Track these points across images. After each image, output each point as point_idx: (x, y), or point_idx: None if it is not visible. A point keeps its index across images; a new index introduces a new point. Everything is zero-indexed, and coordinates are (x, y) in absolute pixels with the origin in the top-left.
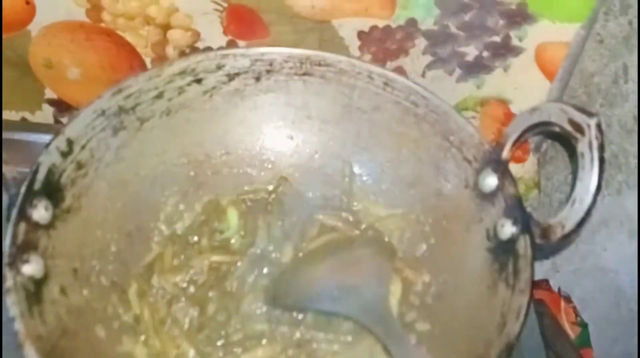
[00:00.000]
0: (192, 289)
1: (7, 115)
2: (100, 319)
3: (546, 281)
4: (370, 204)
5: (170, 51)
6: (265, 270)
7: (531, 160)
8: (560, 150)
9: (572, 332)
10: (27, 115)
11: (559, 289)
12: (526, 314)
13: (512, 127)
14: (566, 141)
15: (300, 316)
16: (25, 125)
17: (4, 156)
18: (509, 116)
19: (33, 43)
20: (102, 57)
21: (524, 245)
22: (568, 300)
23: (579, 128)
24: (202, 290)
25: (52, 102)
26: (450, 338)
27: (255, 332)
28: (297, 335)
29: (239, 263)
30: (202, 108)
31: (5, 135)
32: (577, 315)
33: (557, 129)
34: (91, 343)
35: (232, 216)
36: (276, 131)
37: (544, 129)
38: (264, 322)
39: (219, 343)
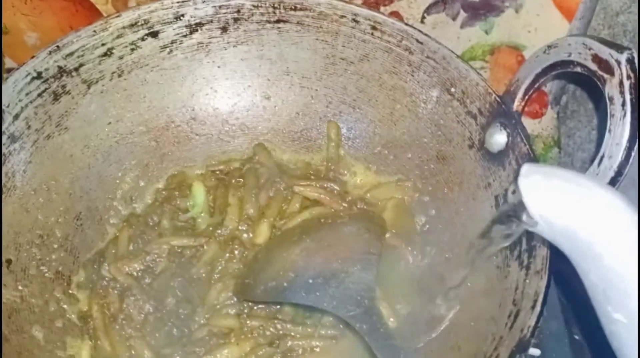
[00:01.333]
0: (148, 279)
1: None
2: (39, 318)
3: None
4: (360, 171)
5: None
6: (235, 255)
7: (549, 115)
8: (583, 102)
9: None
10: None
11: None
12: (544, 303)
13: (523, 71)
14: (591, 84)
15: (275, 307)
16: None
17: None
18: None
19: None
20: (60, 18)
21: None
22: None
23: (606, 66)
24: (160, 280)
25: (12, 71)
26: (450, 331)
27: (222, 328)
28: (271, 330)
29: (204, 247)
30: (161, 67)
31: None
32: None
33: (579, 69)
34: (25, 348)
35: (198, 192)
36: (249, 90)
37: (563, 71)
38: (232, 316)
39: (180, 342)
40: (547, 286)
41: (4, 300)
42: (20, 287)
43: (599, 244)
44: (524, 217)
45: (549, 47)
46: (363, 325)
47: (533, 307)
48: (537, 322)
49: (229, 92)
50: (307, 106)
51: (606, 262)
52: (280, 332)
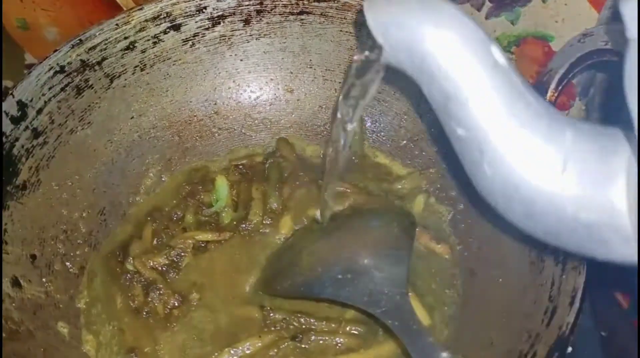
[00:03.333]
0: (172, 273)
1: None
2: (64, 314)
3: None
4: (386, 164)
5: None
6: (259, 249)
7: (577, 107)
8: (612, 95)
9: (624, 301)
10: (9, 84)
11: None
12: (582, 299)
13: (557, 61)
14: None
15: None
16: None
17: None
18: (550, 56)
19: (5, 2)
20: (79, 13)
21: None
22: None
23: None
24: (184, 275)
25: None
26: (482, 327)
27: (245, 322)
28: (294, 323)
29: (228, 242)
30: (184, 60)
31: None
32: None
33: (616, 57)
34: (50, 344)
35: (222, 186)
36: (272, 83)
37: (599, 61)
38: (256, 309)
39: (203, 335)
40: (586, 283)
41: (28, 296)
42: (45, 282)
43: (435, 55)
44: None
45: (584, 35)
46: (395, 321)
47: (571, 303)
48: (576, 318)
49: (251, 85)
50: (330, 99)
51: (443, 74)
52: (304, 327)
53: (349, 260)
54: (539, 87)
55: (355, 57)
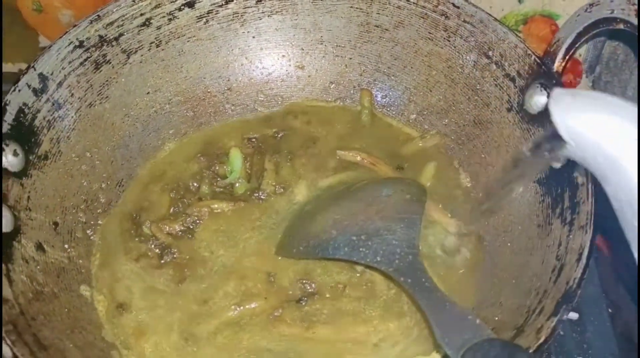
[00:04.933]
0: (187, 239)
1: (4, 67)
2: (86, 279)
3: None
4: (398, 127)
5: None
6: (272, 217)
7: (584, 84)
8: (617, 72)
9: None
10: (24, 67)
11: None
12: (589, 256)
13: (564, 31)
14: (635, 42)
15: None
16: None
17: None
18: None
19: None
20: None
21: (583, 172)
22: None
23: None
24: (198, 240)
25: None
26: (491, 289)
27: (253, 285)
28: (300, 288)
29: (242, 210)
30: (198, 37)
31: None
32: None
33: (622, 26)
34: (73, 305)
35: (236, 158)
36: (284, 60)
37: (606, 29)
38: (264, 274)
39: (213, 298)
40: (592, 240)
41: (51, 260)
42: (67, 248)
43: (625, 158)
44: (553, 141)
45: (591, 5)
46: (408, 278)
47: (578, 260)
48: (583, 273)
49: (263, 62)
50: (341, 75)
51: (632, 175)
52: (309, 291)
53: (363, 223)
54: (547, 58)
55: (525, 151)
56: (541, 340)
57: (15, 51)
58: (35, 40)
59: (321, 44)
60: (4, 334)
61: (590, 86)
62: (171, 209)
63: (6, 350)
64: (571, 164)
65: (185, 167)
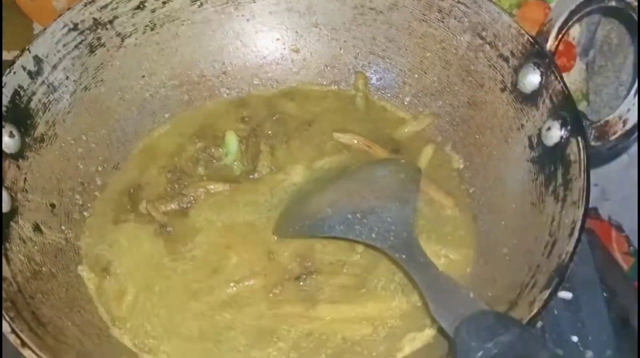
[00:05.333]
0: (183, 219)
1: None
2: (85, 257)
3: (595, 209)
4: (392, 111)
5: None
6: (267, 197)
7: (578, 67)
8: (611, 57)
9: (624, 263)
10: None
11: (609, 218)
12: (581, 229)
13: (557, 9)
14: (629, 19)
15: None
16: None
17: None
18: None
19: None
20: None
21: (575, 149)
22: (619, 229)
23: None
24: (194, 220)
25: None
26: (485, 266)
27: (251, 262)
28: (299, 266)
29: (238, 191)
30: (192, 20)
31: None
32: (629, 244)
33: (614, 2)
34: (71, 285)
35: (231, 141)
36: (278, 43)
37: (599, 6)
38: (263, 252)
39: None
40: (585, 215)
41: (49, 241)
42: (64, 230)
43: None
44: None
45: None
46: (402, 254)
47: (570, 235)
48: (575, 247)
49: (258, 45)
50: (335, 58)
51: None
52: (308, 269)
53: (358, 202)
54: (540, 37)
55: None
56: (534, 312)
57: (9, 39)
58: (30, 28)
59: (316, 27)
60: (3, 311)
61: (584, 68)
62: (167, 190)
63: (5, 326)
64: (564, 143)
65: (181, 149)
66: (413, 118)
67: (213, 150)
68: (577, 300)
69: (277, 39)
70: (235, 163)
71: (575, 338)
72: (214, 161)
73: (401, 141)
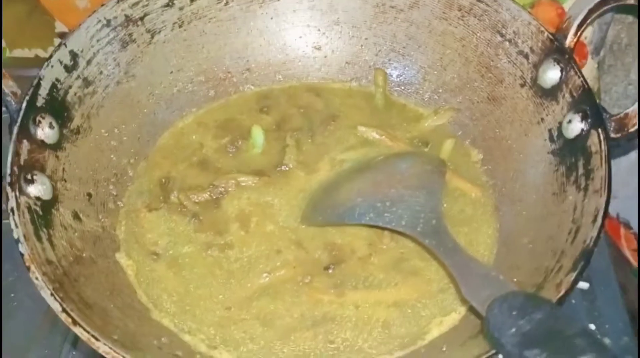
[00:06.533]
0: (214, 209)
1: (20, 53)
2: (123, 244)
3: None
4: (412, 108)
5: None
6: (295, 190)
7: (590, 66)
8: (621, 56)
9: (633, 260)
10: (40, 52)
11: (618, 215)
12: (604, 216)
13: (575, 7)
14: None
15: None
16: (39, 62)
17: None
18: (563, 18)
19: None
20: None
21: (597, 141)
22: (627, 226)
23: None
24: (225, 210)
25: (63, 36)
26: (507, 254)
27: (281, 253)
28: (328, 256)
29: (266, 184)
30: (218, 18)
31: (19, 72)
32: (638, 241)
33: (633, 0)
34: (110, 270)
35: (258, 135)
36: (301, 41)
37: (617, 4)
38: (292, 242)
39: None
40: (607, 202)
41: (87, 229)
42: (101, 218)
43: None
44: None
45: None
46: (432, 240)
47: (594, 221)
48: (599, 233)
49: (281, 43)
50: (356, 55)
51: None
52: (336, 259)
53: (387, 191)
54: (559, 34)
55: None
56: (562, 293)
57: (31, 36)
58: (52, 27)
59: (337, 25)
60: (52, 291)
61: (596, 67)
62: (198, 181)
63: (56, 305)
64: (585, 135)
65: (208, 142)
66: (434, 113)
67: (240, 142)
68: (594, 289)
69: (300, 37)
70: (262, 155)
71: (592, 326)
72: (241, 153)
73: (422, 135)
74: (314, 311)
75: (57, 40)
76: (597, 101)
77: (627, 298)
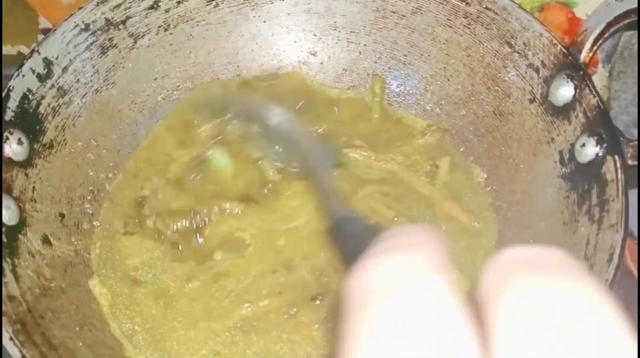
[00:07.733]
0: (195, 237)
1: (3, 50)
2: (96, 271)
3: None
4: (407, 122)
5: None
6: (286, 213)
7: (600, 74)
8: (631, 63)
9: (636, 272)
10: (23, 49)
11: None
12: (621, 255)
13: (593, 20)
14: None
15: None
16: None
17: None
18: (573, 23)
19: None
20: None
21: (612, 168)
22: (631, 236)
23: None
24: (207, 238)
25: (47, 32)
26: None
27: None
28: (316, 284)
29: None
30: (207, 21)
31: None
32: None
33: None
34: (81, 301)
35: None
36: (295, 46)
37: (637, 19)
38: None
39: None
40: (624, 240)
41: (58, 253)
42: (74, 241)
43: None
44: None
45: None
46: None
47: (609, 261)
48: (615, 275)
49: (274, 48)
50: (354, 62)
51: None
52: (326, 288)
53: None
54: (573, 48)
55: None
56: None
57: (15, 32)
58: (35, 22)
59: (335, 29)
60: (12, 335)
61: (607, 75)
62: (177, 205)
63: (15, 351)
64: (599, 161)
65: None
66: (420, 134)
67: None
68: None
69: (295, 42)
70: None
71: None
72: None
73: (414, 153)
74: (295, 349)
75: (40, 37)
76: (609, 111)
77: (629, 312)
